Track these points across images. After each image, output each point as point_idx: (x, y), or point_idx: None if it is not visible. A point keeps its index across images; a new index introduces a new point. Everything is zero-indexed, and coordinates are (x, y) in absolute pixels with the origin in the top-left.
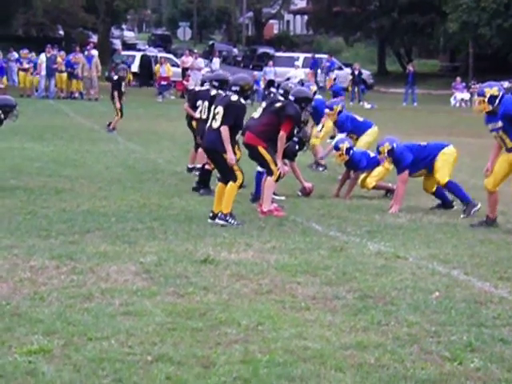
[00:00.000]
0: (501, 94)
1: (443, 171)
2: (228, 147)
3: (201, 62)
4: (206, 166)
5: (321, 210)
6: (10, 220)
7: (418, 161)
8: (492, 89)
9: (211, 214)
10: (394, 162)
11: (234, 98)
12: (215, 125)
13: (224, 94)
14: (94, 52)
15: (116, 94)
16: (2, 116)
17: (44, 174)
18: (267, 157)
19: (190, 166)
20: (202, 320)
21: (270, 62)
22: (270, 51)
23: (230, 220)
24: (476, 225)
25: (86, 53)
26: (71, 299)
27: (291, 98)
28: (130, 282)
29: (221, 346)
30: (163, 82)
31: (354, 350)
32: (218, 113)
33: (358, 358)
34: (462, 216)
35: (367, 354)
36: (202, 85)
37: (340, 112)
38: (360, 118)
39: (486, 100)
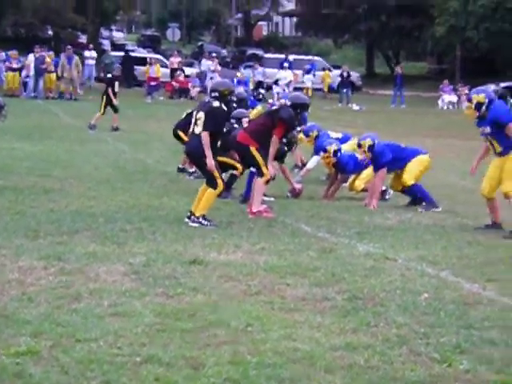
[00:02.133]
0: (487, 100)
1: (412, 174)
2: (208, 153)
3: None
4: (234, 172)
5: (310, 212)
6: None
7: (395, 161)
8: (479, 95)
9: (188, 214)
10: (372, 158)
11: (216, 104)
12: (197, 130)
13: (207, 100)
14: (92, 53)
15: (110, 91)
16: None
17: (33, 173)
18: (258, 158)
19: (180, 167)
20: (192, 321)
21: (257, 64)
22: (259, 52)
23: (202, 221)
24: (481, 228)
25: (65, 53)
26: (59, 300)
27: (288, 102)
28: (118, 283)
29: (210, 348)
30: (152, 83)
31: (344, 351)
32: (199, 118)
33: (347, 359)
34: (419, 210)
35: (357, 355)
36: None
37: (317, 137)
38: (338, 135)
39: (473, 106)
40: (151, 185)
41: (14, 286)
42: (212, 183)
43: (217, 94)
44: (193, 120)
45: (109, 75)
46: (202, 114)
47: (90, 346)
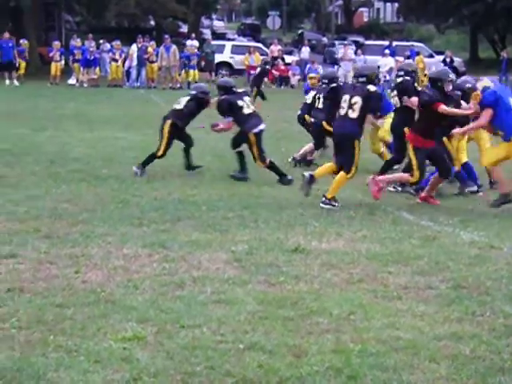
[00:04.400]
0: None
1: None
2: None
3: (351, 52)
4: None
5: (412, 199)
6: (103, 209)
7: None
8: None
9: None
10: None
11: (372, 88)
12: (353, 115)
13: (357, 85)
14: (194, 43)
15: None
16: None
17: (136, 163)
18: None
19: (297, 157)
20: (294, 309)
21: (359, 51)
22: (360, 39)
23: (333, 203)
24: (495, 204)
25: (164, 42)
26: (163, 287)
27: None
28: (221, 271)
29: (312, 336)
30: (252, 71)
31: (448, 340)
32: (355, 103)
33: (452, 348)
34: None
35: (462, 344)
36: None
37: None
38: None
39: None
40: (252, 173)
41: (119, 273)
42: (347, 166)
43: (365, 79)
44: (344, 104)
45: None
46: (358, 99)
47: (193, 333)
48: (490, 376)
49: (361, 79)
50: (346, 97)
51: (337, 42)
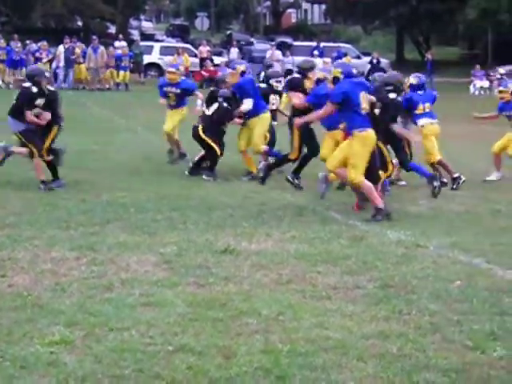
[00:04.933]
0: None
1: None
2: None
3: (279, 53)
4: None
5: (340, 199)
6: (31, 211)
7: None
8: None
9: None
10: None
11: (392, 95)
12: None
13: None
14: (122, 44)
15: None
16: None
17: (64, 165)
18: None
19: None
20: (223, 310)
21: (288, 52)
22: (288, 40)
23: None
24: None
25: (92, 43)
26: (92, 290)
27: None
28: (150, 273)
29: (242, 336)
30: None
31: (376, 339)
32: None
33: (379, 347)
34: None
35: (389, 343)
36: None
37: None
38: None
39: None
40: (181, 175)
41: (47, 277)
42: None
43: (391, 88)
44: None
45: None
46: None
47: (122, 336)
48: (415, 373)
49: (387, 87)
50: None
51: (255, 41)
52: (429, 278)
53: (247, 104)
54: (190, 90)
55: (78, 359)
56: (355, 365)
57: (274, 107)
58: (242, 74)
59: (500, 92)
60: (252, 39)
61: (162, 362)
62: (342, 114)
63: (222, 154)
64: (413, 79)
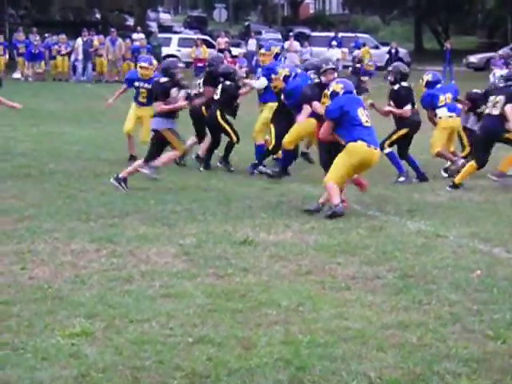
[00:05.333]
0: None
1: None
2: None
3: (297, 44)
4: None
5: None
6: (50, 204)
7: None
8: None
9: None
10: None
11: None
12: (495, 112)
13: (503, 85)
14: (140, 36)
15: None
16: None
17: (83, 157)
18: None
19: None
20: (242, 301)
21: (306, 43)
22: (306, 31)
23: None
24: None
25: (110, 35)
26: (112, 282)
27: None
28: (169, 264)
29: (261, 327)
30: (199, 64)
31: (396, 329)
32: (498, 101)
33: (399, 337)
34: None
35: (409, 333)
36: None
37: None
38: None
39: None
40: (199, 167)
41: (67, 269)
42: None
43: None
44: (489, 104)
45: None
46: (501, 98)
47: (142, 327)
48: (435, 363)
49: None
50: (492, 97)
51: (263, 31)
52: (448, 267)
53: (261, 81)
54: None
55: (99, 351)
56: (375, 355)
57: None
58: (285, 78)
59: None
60: (261, 30)
61: (181, 354)
62: (339, 128)
63: (238, 141)
64: (429, 76)
